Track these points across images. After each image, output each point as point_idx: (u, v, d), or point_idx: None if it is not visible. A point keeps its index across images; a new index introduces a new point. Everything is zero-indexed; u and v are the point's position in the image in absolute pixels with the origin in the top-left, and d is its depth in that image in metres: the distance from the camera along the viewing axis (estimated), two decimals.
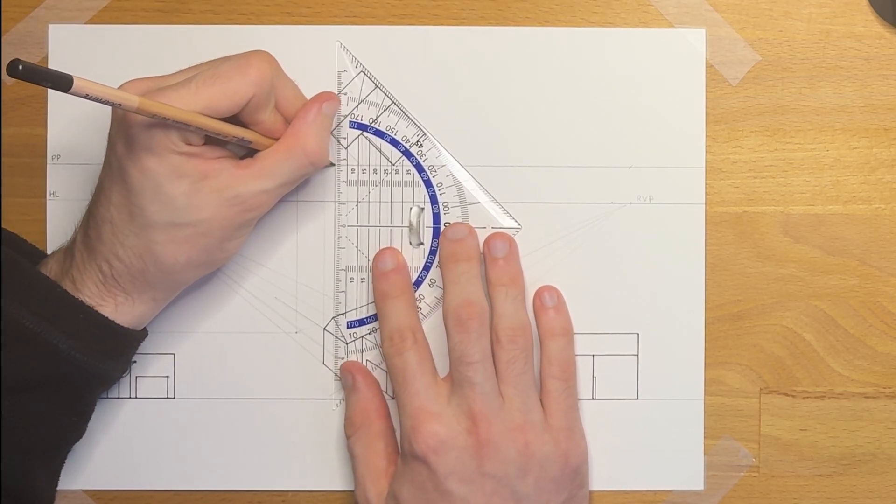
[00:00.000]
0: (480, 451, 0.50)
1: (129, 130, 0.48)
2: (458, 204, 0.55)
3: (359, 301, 0.55)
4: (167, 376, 0.55)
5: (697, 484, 0.55)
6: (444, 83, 0.55)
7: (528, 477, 0.50)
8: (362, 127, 0.55)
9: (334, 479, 0.55)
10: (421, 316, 0.54)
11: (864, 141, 0.55)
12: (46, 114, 0.55)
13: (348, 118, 0.55)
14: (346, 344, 0.55)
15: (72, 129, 0.55)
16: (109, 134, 0.49)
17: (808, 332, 0.55)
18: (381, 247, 0.55)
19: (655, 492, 0.55)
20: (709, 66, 0.55)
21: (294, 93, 0.52)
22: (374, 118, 0.55)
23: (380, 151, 0.55)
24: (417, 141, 0.54)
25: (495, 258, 0.54)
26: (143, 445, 0.54)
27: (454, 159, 0.55)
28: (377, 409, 0.54)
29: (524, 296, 0.54)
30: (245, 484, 0.55)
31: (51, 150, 0.55)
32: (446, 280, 0.53)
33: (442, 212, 0.55)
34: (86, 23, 0.55)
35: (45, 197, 0.55)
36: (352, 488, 0.54)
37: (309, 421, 0.55)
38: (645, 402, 0.55)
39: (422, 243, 0.55)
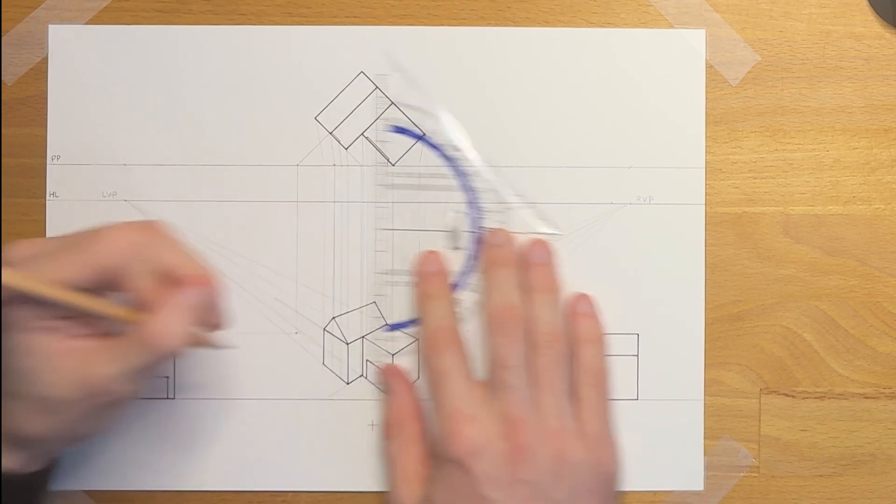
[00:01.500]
0: (516, 456, 0.50)
1: None
2: (499, 209, 0.55)
3: (396, 305, 0.55)
4: (167, 376, 0.55)
5: (697, 484, 0.55)
6: (444, 83, 0.55)
7: (563, 484, 0.50)
8: (403, 131, 0.55)
9: (334, 479, 0.55)
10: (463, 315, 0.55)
11: (864, 141, 0.55)
12: (46, 114, 0.55)
13: (388, 122, 0.55)
14: (347, 344, 0.55)
15: (72, 129, 0.55)
16: None
17: (808, 332, 0.55)
18: (423, 250, 0.55)
19: (655, 492, 0.55)
20: (709, 67, 0.55)
21: (181, 262, 0.48)
22: (417, 122, 0.55)
23: (421, 155, 0.55)
24: (456, 146, 0.54)
25: (533, 263, 0.54)
26: (143, 445, 0.54)
27: (491, 163, 0.55)
28: (414, 413, 0.53)
29: (558, 301, 0.54)
30: (245, 484, 0.55)
31: (51, 150, 0.55)
32: (487, 284, 0.53)
33: (480, 216, 0.55)
34: (86, 23, 0.55)
35: (45, 197, 0.55)
36: (351, 488, 0.54)
37: (309, 421, 0.55)
38: (645, 403, 0.55)
39: (460, 248, 0.55)
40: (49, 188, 0.55)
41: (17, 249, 0.46)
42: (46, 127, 0.55)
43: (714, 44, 0.55)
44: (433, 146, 0.54)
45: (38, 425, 0.47)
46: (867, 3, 0.55)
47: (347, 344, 0.55)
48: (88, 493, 0.55)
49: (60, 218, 0.55)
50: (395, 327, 0.55)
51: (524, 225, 0.55)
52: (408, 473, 0.52)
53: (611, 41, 0.55)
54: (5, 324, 0.46)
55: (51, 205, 0.55)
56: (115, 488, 0.55)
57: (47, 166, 0.55)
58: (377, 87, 0.55)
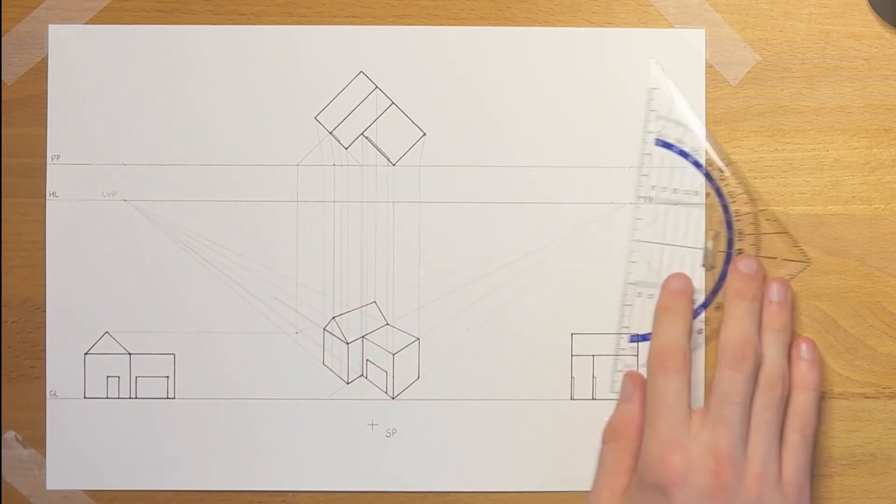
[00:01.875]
0: (717, 493, 0.50)
1: None
2: (753, 233, 0.55)
3: (644, 317, 0.55)
4: (167, 376, 0.55)
5: None
6: (444, 83, 0.55)
7: None
8: (667, 146, 0.54)
9: (334, 479, 0.55)
10: (698, 339, 0.55)
11: (864, 141, 0.55)
12: (46, 114, 0.55)
13: (653, 135, 0.54)
14: (347, 344, 0.55)
15: (72, 129, 0.55)
16: None
17: (808, 332, 0.55)
18: (674, 268, 0.55)
19: None
20: (709, 67, 0.55)
21: None
22: (680, 138, 0.55)
23: (682, 171, 0.55)
24: (719, 167, 0.54)
25: (771, 301, 0.54)
26: (143, 445, 0.54)
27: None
28: (638, 426, 0.53)
29: (787, 342, 0.53)
30: (245, 484, 0.55)
31: (51, 150, 0.55)
32: (729, 314, 0.53)
33: (735, 238, 0.55)
34: (86, 23, 0.55)
35: (45, 197, 0.55)
36: (351, 488, 0.54)
37: (309, 421, 0.55)
38: None
39: (713, 267, 0.55)
40: (49, 188, 0.55)
41: None
42: (46, 127, 0.55)
43: (714, 44, 0.55)
44: (697, 165, 0.54)
45: None
46: (867, 3, 0.55)
47: (347, 344, 0.55)
48: (88, 492, 0.55)
49: (60, 218, 0.55)
50: (638, 339, 0.55)
51: (774, 251, 0.55)
52: (615, 485, 0.52)
53: (611, 41, 0.55)
54: None
55: (51, 205, 0.55)
56: (115, 488, 0.55)
57: (47, 166, 0.55)
58: (377, 86, 0.55)
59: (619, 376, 0.55)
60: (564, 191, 0.55)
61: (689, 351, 0.53)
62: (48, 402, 0.54)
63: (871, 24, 0.55)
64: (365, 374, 0.55)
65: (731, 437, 0.50)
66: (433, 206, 0.55)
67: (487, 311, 0.55)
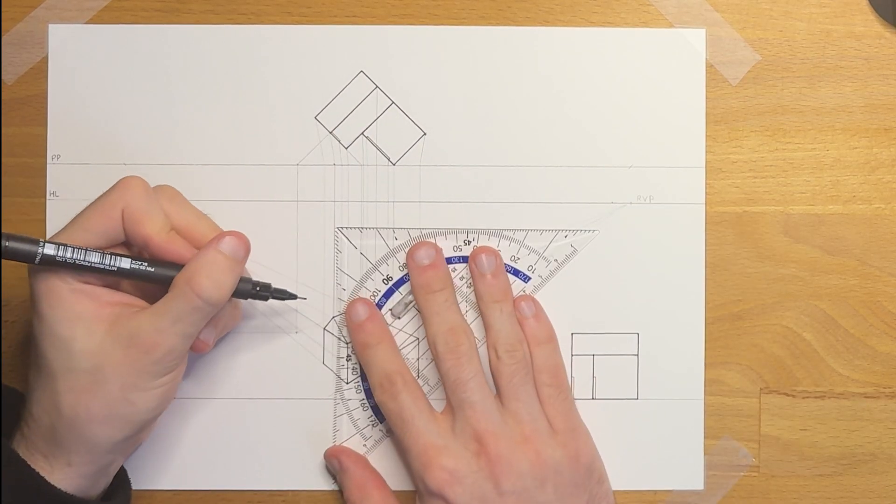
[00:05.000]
0: (494, 469, 0.50)
1: (30, 280, 0.47)
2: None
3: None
4: None
5: (697, 484, 0.55)
6: (444, 83, 0.55)
7: (547, 486, 0.50)
8: None
9: (334, 479, 0.55)
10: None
11: (864, 141, 0.55)
12: (46, 114, 0.55)
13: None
14: (347, 344, 0.55)
15: (72, 129, 0.55)
16: None
17: (808, 332, 0.55)
18: (350, 301, 0.54)
19: (655, 492, 0.55)
20: (709, 66, 0.55)
21: (196, 217, 0.50)
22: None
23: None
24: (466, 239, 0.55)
25: (483, 274, 0.54)
26: (142, 445, 0.54)
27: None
28: (372, 482, 0.53)
29: (513, 309, 0.54)
30: (245, 484, 0.55)
31: (51, 150, 0.55)
32: (424, 312, 0.53)
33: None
34: (86, 23, 0.55)
35: (45, 197, 0.55)
36: None
37: (309, 421, 0.55)
38: (645, 402, 0.55)
39: (401, 317, 0.55)
40: (49, 188, 0.55)
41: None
42: (46, 127, 0.55)
43: (714, 43, 0.55)
44: None
45: (80, 404, 0.47)
46: (867, 3, 0.55)
47: (347, 344, 0.55)
48: None
49: (60, 218, 0.54)
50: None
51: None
52: None
53: (611, 41, 0.55)
54: (42, 295, 0.47)
55: (51, 204, 0.55)
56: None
57: (47, 166, 0.55)
58: (377, 86, 0.55)
59: (325, 450, 0.55)
60: (564, 191, 0.55)
61: (405, 367, 0.53)
62: None
63: (871, 24, 0.55)
64: (358, 374, 0.55)
65: (483, 413, 0.51)
66: (433, 206, 0.55)
67: None
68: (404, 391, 0.52)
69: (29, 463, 0.47)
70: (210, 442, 0.55)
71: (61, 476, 0.47)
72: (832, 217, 0.55)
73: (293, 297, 0.53)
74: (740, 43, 0.55)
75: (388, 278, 0.55)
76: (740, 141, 0.55)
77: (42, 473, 0.47)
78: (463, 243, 0.55)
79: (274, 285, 0.52)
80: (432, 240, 0.55)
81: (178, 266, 0.49)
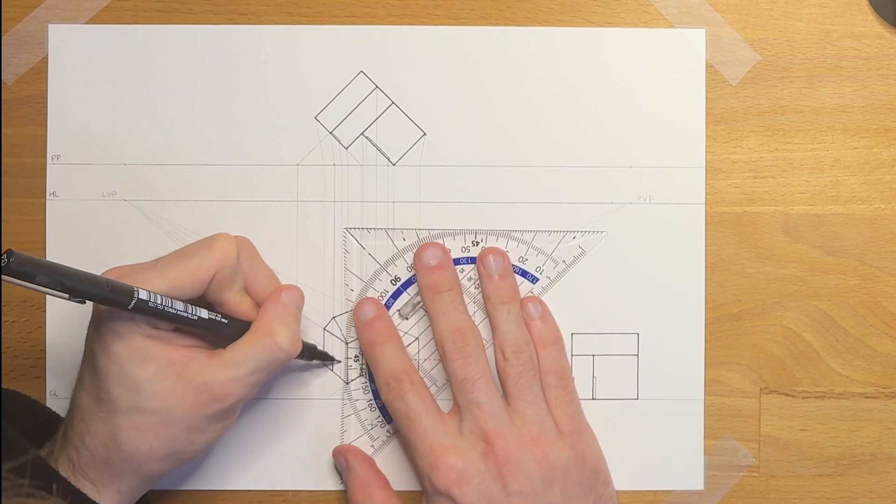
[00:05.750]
0: (501, 470, 0.50)
1: (98, 314, 0.48)
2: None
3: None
4: None
5: (697, 484, 0.55)
6: (444, 83, 0.55)
7: (554, 487, 0.50)
8: None
9: (334, 479, 0.55)
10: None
11: (864, 141, 0.55)
12: (46, 114, 0.55)
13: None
14: (347, 344, 0.55)
15: (72, 129, 0.55)
16: (89, 321, 0.49)
17: (808, 332, 0.55)
18: (359, 300, 0.54)
19: (655, 492, 0.55)
20: (709, 66, 0.55)
21: (267, 279, 0.52)
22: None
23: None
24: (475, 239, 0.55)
25: (491, 275, 0.54)
26: None
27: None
28: (376, 483, 0.53)
29: (521, 311, 0.54)
30: (245, 484, 0.55)
31: (51, 150, 0.55)
32: (432, 312, 0.53)
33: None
34: (86, 23, 0.55)
35: (45, 197, 0.55)
36: None
37: (309, 421, 0.55)
38: (645, 402, 0.55)
39: (409, 317, 0.55)
40: (49, 188, 0.55)
41: (111, 273, 0.48)
42: (46, 127, 0.55)
43: (714, 43, 0.55)
44: None
45: (143, 442, 0.48)
46: (867, 3, 0.55)
47: (347, 344, 0.55)
48: None
49: (60, 218, 0.55)
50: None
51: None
52: None
53: (611, 41, 0.55)
54: (114, 333, 0.47)
55: (51, 205, 0.55)
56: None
57: (47, 166, 0.55)
58: (377, 86, 0.55)
59: (333, 448, 0.55)
60: (564, 191, 0.55)
61: (411, 366, 0.53)
62: (48, 401, 0.54)
63: (871, 24, 0.55)
64: (365, 374, 0.55)
65: (490, 413, 0.51)
66: (433, 206, 0.55)
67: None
68: (411, 390, 0.52)
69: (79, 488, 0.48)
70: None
71: (109, 502, 0.48)
72: (832, 217, 0.55)
73: (332, 360, 0.55)
74: (740, 43, 0.55)
75: (396, 279, 0.55)
76: (740, 141, 0.55)
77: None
78: (471, 244, 0.55)
79: (318, 347, 0.54)
80: (440, 240, 0.55)
81: (246, 321, 0.50)
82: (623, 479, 0.55)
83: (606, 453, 0.54)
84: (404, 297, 0.55)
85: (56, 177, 0.55)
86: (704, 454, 0.55)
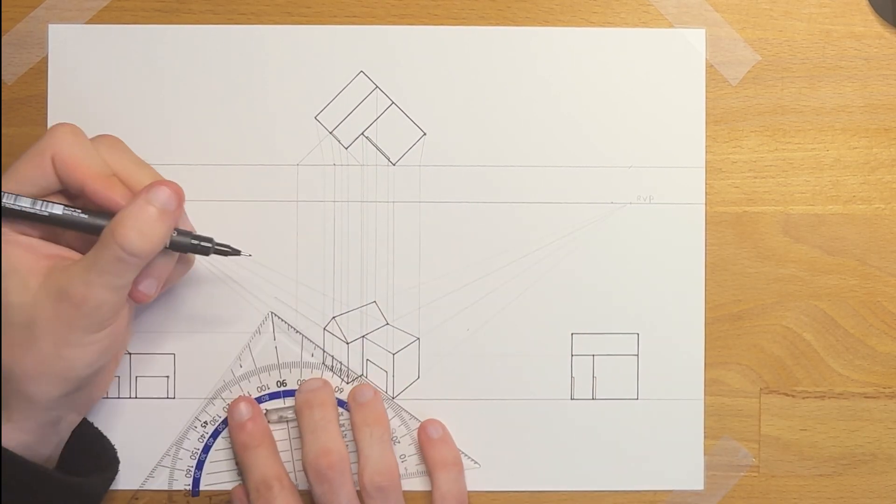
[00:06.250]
0: None
1: None
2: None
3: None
4: (167, 376, 0.55)
5: (697, 484, 0.55)
6: (444, 83, 0.55)
7: None
8: None
9: None
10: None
11: (864, 141, 0.55)
12: (46, 114, 0.55)
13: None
14: (347, 344, 0.55)
15: None
16: None
17: (808, 332, 0.55)
18: (233, 401, 0.54)
19: (655, 492, 0.55)
20: (709, 66, 0.55)
21: (133, 165, 0.49)
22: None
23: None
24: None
25: (360, 403, 0.54)
26: (142, 445, 0.54)
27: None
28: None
29: (389, 435, 0.54)
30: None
31: None
32: (302, 428, 0.53)
33: None
34: (86, 23, 0.55)
35: None
36: None
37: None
38: (645, 402, 0.55)
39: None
40: None
41: None
42: (46, 127, 0.55)
43: (714, 43, 0.55)
44: None
45: (23, 358, 0.45)
46: (867, 3, 0.55)
47: (347, 344, 0.55)
48: None
49: None
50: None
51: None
52: None
53: (611, 41, 0.55)
54: None
55: None
56: (115, 488, 0.54)
57: None
58: (377, 86, 0.55)
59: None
60: (564, 191, 0.55)
61: (283, 472, 0.52)
62: None
63: (871, 24, 0.55)
64: (365, 374, 0.55)
65: None
66: (433, 206, 0.55)
67: (487, 311, 0.55)
68: (280, 496, 0.51)
69: None
70: (210, 442, 0.55)
71: (9, 437, 0.47)
72: (832, 217, 0.55)
73: (236, 252, 0.51)
74: (740, 43, 0.55)
75: (283, 383, 0.55)
76: (740, 141, 0.55)
77: None
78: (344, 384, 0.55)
79: (217, 240, 0.50)
80: (320, 375, 0.54)
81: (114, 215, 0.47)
82: (623, 478, 0.55)
83: (606, 453, 0.54)
84: (278, 403, 0.54)
85: None
86: (704, 454, 0.55)
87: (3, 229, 0.46)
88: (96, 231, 0.47)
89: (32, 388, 0.46)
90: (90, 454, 0.51)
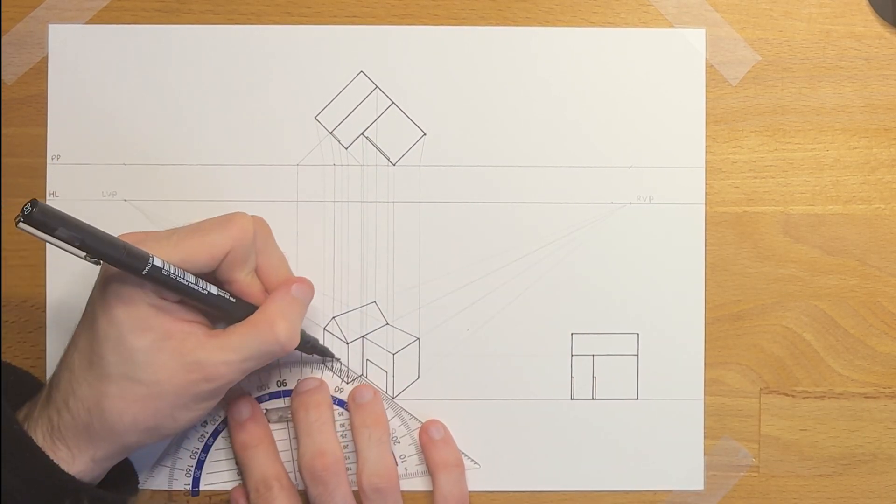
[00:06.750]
0: None
1: (106, 276, 0.47)
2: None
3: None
4: None
5: (697, 484, 0.55)
6: (444, 83, 0.55)
7: None
8: None
9: None
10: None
11: (864, 141, 0.55)
12: (46, 114, 0.55)
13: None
14: (347, 344, 0.55)
15: (72, 129, 0.55)
16: (95, 283, 0.49)
17: (808, 332, 0.55)
18: (235, 399, 0.54)
19: (655, 492, 0.55)
20: (709, 66, 0.55)
21: (279, 262, 0.52)
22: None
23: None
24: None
25: (359, 404, 0.54)
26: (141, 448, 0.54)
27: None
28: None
29: (388, 437, 0.54)
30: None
31: (51, 150, 0.55)
32: (298, 430, 0.53)
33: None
34: (86, 23, 0.55)
35: (45, 197, 0.55)
36: (351, 488, 0.54)
37: None
38: (645, 402, 0.55)
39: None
40: (49, 188, 0.55)
41: (129, 237, 0.47)
42: (46, 127, 0.55)
43: (714, 43, 0.55)
44: None
45: (127, 412, 0.47)
46: (867, 3, 0.55)
47: (347, 344, 0.55)
48: None
49: None
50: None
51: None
52: None
53: (611, 41, 0.55)
54: (119, 298, 0.47)
55: (51, 204, 0.55)
56: None
57: (47, 166, 0.55)
58: (377, 86, 0.55)
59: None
60: (564, 191, 0.55)
61: (283, 471, 0.53)
62: None
63: (871, 24, 0.55)
64: (365, 374, 0.55)
65: None
66: (433, 206, 0.55)
67: (487, 311, 0.55)
68: (280, 496, 0.52)
69: (48, 451, 0.47)
70: (211, 441, 0.55)
71: (81, 468, 0.48)
72: (832, 217, 0.55)
73: (332, 357, 0.54)
74: (740, 43, 0.55)
75: (283, 382, 0.55)
76: (740, 141, 0.55)
77: (61, 464, 0.47)
78: (343, 384, 0.55)
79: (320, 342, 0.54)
80: (318, 375, 0.54)
81: (252, 304, 0.50)
82: (623, 479, 0.55)
83: (606, 453, 0.54)
84: (278, 403, 0.54)
85: (56, 177, 0.55)
86: (704, 454, 0.55)
87: (149, 291, 0.47)
88: (235, 315, 0.49)
89: (135, 439, 0.48)
90: (118, 468, 0.52)
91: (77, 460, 0.47)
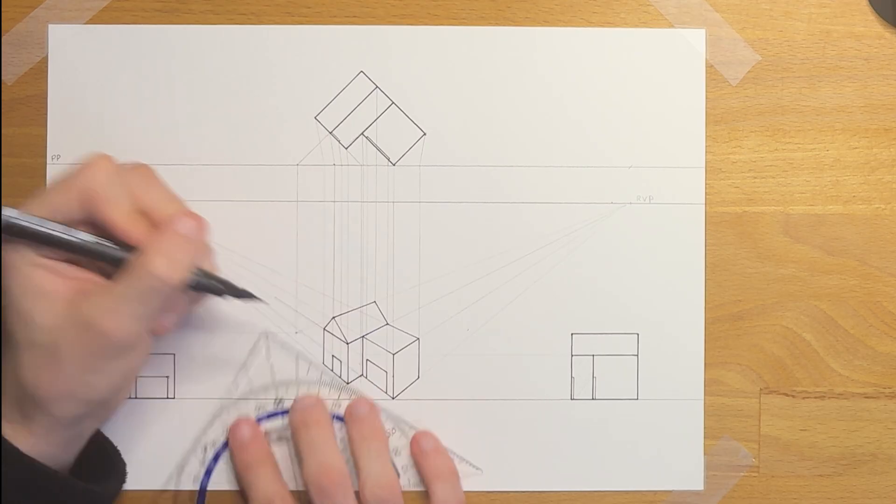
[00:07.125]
0: None
1: None
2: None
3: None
4: (167, 376, 0.55)
5: (697, 484, 0.55)
6: (444, 83, 0.55)
7: None
8: None
9: None
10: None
11: (864, 141, 0.55)
12: (46, 114, 0.55)
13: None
14: (347, 344, 0.55)
15: (72, 129, 0.55)
16: None
17: (808, 332, 0.55)
18: (234, 422, 0.54)
19: (655, 492, 0.55)
20: (709, 66, 0.55)
21: (162, 199, 0.49)
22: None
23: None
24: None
25: (357, 417, 0.53)
26: (142, 445, 0.54)
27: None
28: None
29: (388, 449, 0.53)
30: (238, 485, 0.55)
31: (51, 150, 0.55)
32: (301, 448, 0.52)
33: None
34: (86, 23, 0.55)
35: None
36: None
37: None
38: (645, 402, 0.55)
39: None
40: None
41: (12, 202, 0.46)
42: (46, 127, 0.55)
43: (714, 44, 0.55)
44: None
45: (47, 381, 0.46)
46: (867, 3, 0.55)
47: (347, 344, 0.55)
48: None
49: None
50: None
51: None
52: None
53: (611, 41, 0.55)
54: (6, 264, 0.46)
55: None
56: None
57: (47, 166, 0.55)
58: (377, 86, 0.55)
59: None
60: (564, 191, 0.55)
61: (285, 490, 0.52)
62: None
63: (871, 24, 0.55)
64: (365, 374, 0.55)
65: None
66: (433, 206, 0.55)
67: (487, 311, 0.55)
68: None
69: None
70: (210, 442, 0.55)
71: (24, 444, 0.47)
72: (832, 217, 0.55)
73: (250, 296, 0.51)
74: (740, 43, 0.55)
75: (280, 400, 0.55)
76: (740, 141, 0.55)
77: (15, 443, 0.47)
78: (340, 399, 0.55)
79: (238, 284, 0.51)
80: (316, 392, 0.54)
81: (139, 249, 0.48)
82: (623, 478, 0.55)
83: (606, 453, 0.54)
84: (277, 422, 0.54)
85: (56, 177, 0.55)
86: (704, 454, 0.55)
87: (27, 253, 0.46)
88: (121, 263, 0.47)
89: (56, 408, 0.47)
90: (99, 459, 0.51)
91: (18, 437, 0.47)
